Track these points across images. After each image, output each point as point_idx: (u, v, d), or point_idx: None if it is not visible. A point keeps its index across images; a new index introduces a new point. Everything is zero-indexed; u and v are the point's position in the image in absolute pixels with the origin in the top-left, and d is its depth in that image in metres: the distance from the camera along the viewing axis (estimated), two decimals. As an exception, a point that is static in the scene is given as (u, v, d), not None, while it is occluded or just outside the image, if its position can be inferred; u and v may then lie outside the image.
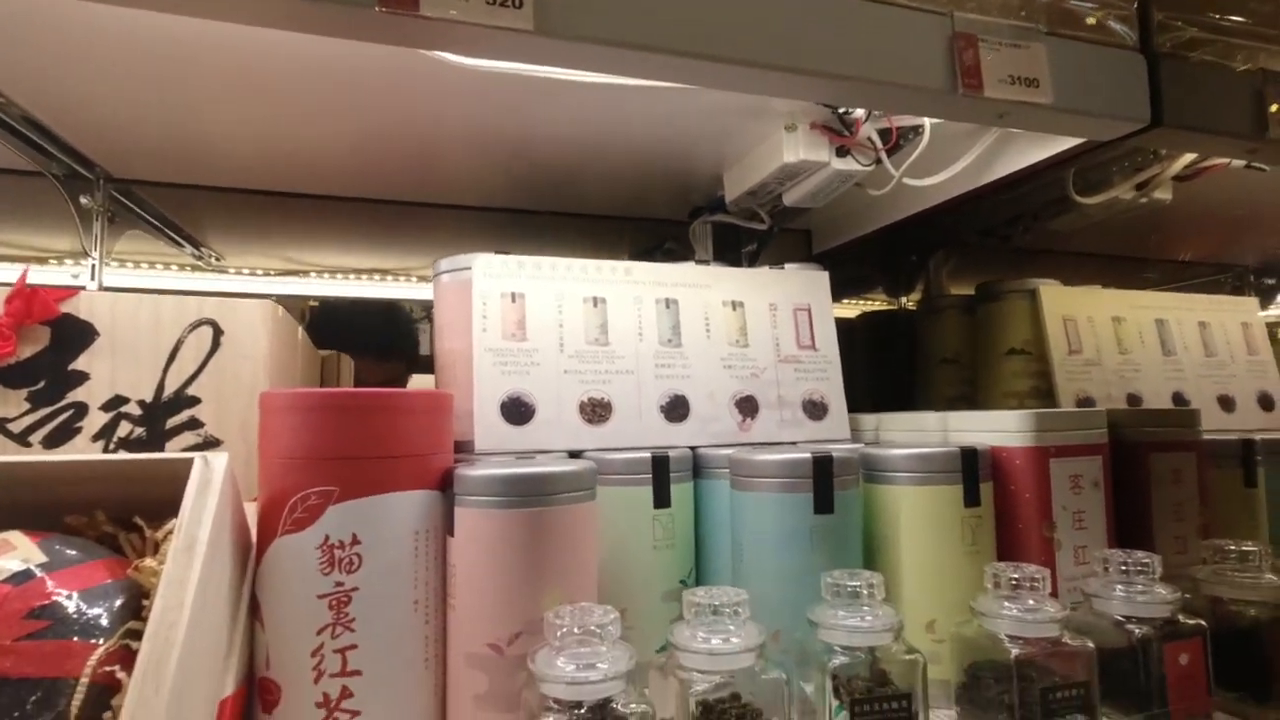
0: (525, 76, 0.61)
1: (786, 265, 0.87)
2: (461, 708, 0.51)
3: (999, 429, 0.67)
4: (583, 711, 0.43)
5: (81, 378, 0.57)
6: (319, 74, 0.69)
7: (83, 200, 0.83)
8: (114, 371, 0.58)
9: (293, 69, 0.67)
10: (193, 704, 0.40)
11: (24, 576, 0.39)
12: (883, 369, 1.17)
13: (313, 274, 1.08)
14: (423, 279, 1.12)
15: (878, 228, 1.02)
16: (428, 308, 1.09)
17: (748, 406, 0.79)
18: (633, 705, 0.44)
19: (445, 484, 0.55)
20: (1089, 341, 0.99)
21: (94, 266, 0.88)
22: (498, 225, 1.14)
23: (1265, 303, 1.46)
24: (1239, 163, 0.84)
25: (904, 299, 1.28)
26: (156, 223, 0.95)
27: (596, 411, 0.73)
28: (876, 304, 1.29)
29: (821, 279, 0.87)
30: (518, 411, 0.71)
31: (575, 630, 0.45)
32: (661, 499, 0.67)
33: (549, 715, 0.42)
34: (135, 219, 0.93)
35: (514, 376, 0.71)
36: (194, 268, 1.02)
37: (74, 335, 0.57)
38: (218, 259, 1.04)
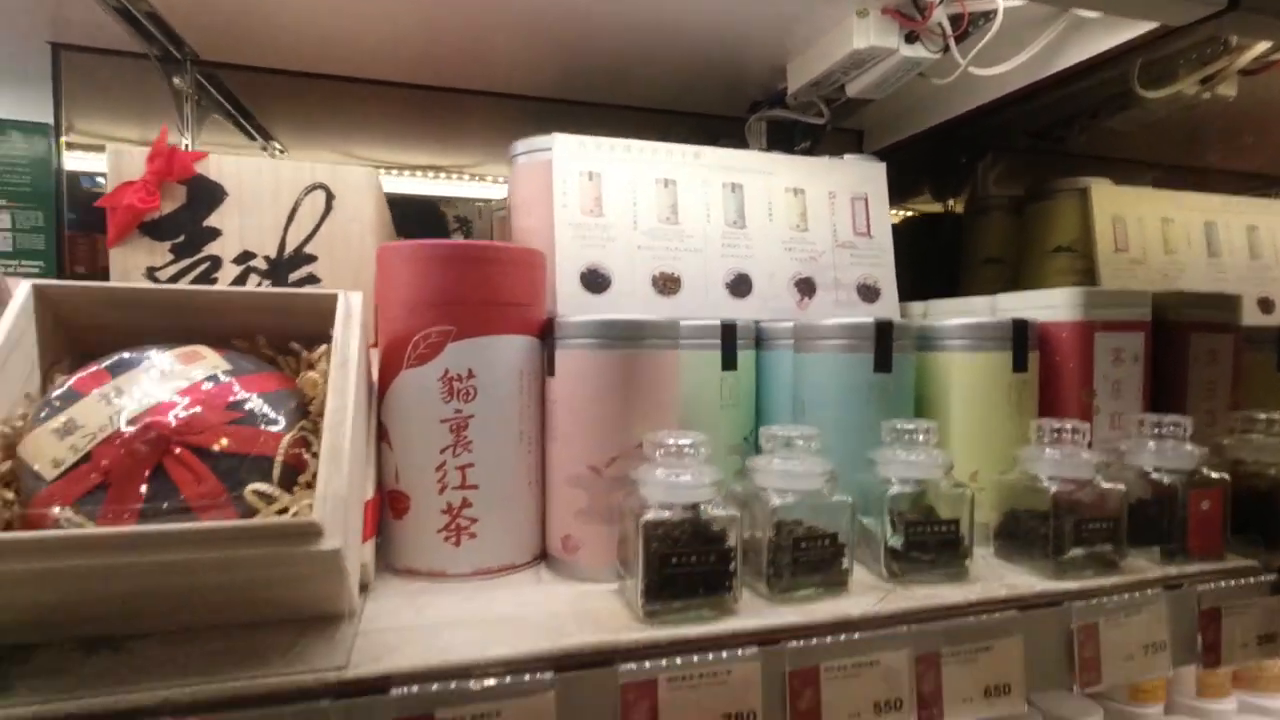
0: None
1: (845, 156, 0.90)
2: (563, 521, 0.59)
3: (1047, 305, 0.71)
4: (677, 511, 0.50)
5: (214, 234, 0.63)
6: None
7: (175, 81, 0.88)
8: (242, 229, 0.64)
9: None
10: (354, 492, 0.48)
11: (217, 379, 0.46)
12: (927, 269, 1.20)
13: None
14: (475, 175, 1.15)
15: (933, 124, 1.04)
16: (476, 207, 1.13)
17: (806, 287, 0.84)
18: (719, 510, 0.51)
19: (543, 333, 0.61)
20: (1136, 241, 1.01)
21: (186, 148, 0.93)
22: (548, 116, 1.14)
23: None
24: (1310, 53, 0.84)
25: (950, 202, 1.30)
26: (233, 110, 1.00)
27: (667, 285, 0.78)
28: (923, 207, 1.31)
29: (879, 169, 0.90)
30: (595, 281, 0.76)
31: (672, 446, 0.51)
32: (729, 362, 0.73)
33: (649, 512, 0.50)
34: (215, 105, 0.98)
35: (592, 249, 0.76)
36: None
37: (206, 194, 0.63)
38: (282, 151, 1.08)
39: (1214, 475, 0.63)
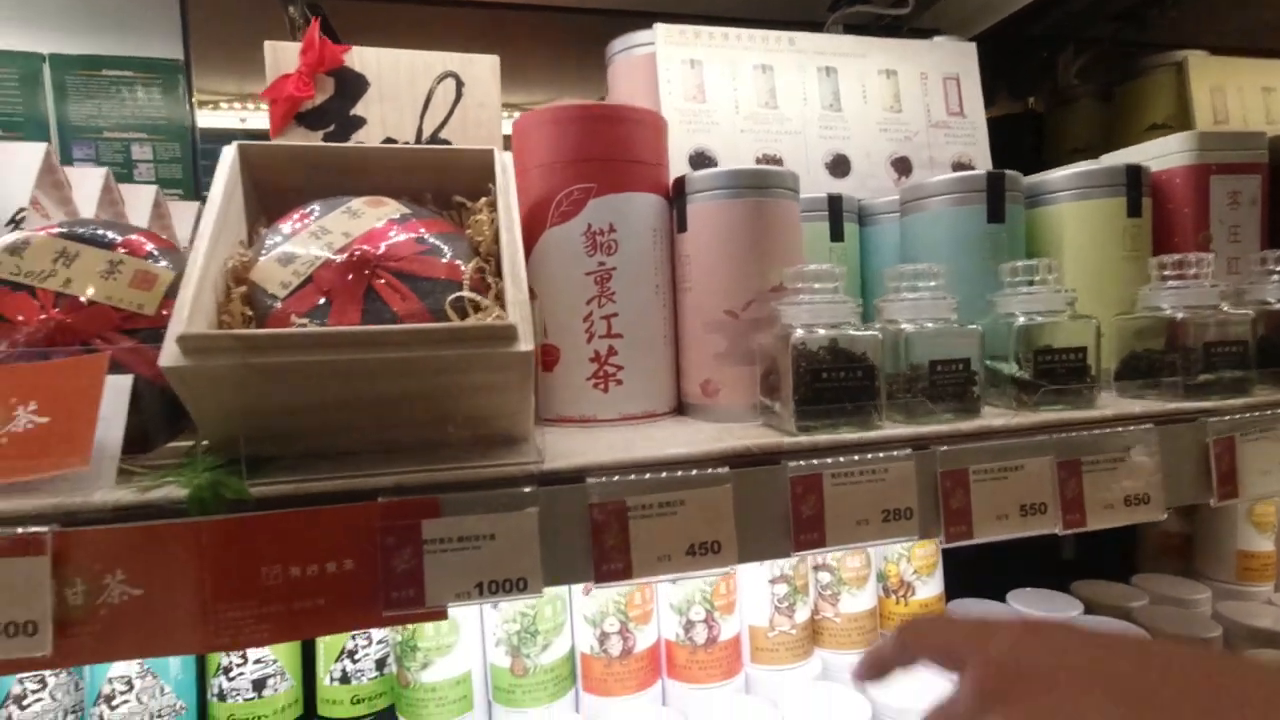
0: None
1: (935, 38, 0.91)
2: (702, 367, 0.63)
3: (1160, 154, 0.71)
4: (821, 334, 0.53)
5: (361, 121, 0.68)
6: None
7: (290, 11, 0.93)
8: (384, 117, 0.68)
9: None
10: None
11: (403, 219, 0.51)
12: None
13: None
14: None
15: (1018, 8, 1.03)
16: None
17: (902, 166, 0.86)
18: (860, 331, 0.54)
19: (672, 192, 0.64)
20: (1236, 112, 0.99)
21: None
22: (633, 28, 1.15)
23: None
24: None
25: (1030, 101, 1.28)
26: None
27: (771, 165, 0.80)
28: (1003, 108, 1.30)
29: (970, 50, 0.90)
30: (702, 163, 0.79)
31: (812, 273, 0.54)
32: (836, 233, 0.75)
33: (796, 333, 0.53)
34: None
35: (698, 133, 0.79)
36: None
37: (352, 84, 0.67)
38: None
39: (1342, 303, 0.63)
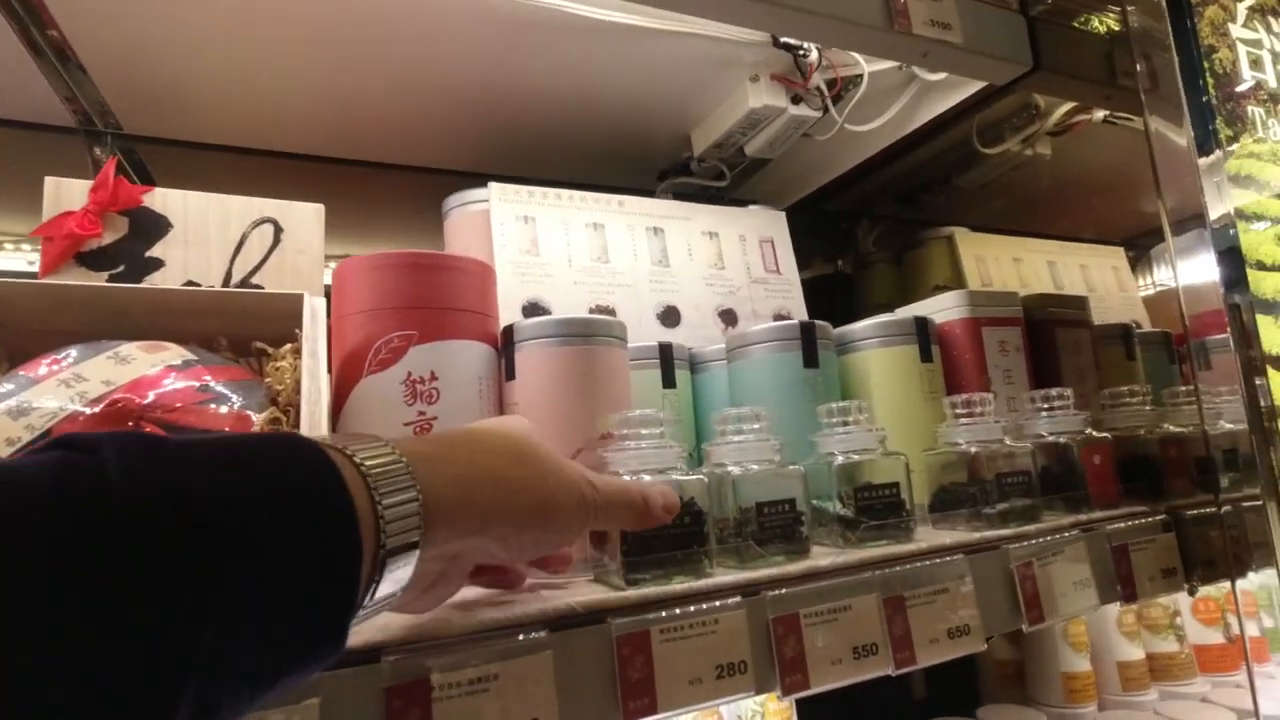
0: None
1: (751, 207, 1.01)
2: (531, 517, 0.59)
3: (940, 308, 0.81)
4: (650, 479, 0.52)
5: (157, 264, 0.63)
6: (275, 13, 0.73)
7: (97, 152, 0.87)
8: (187, 260, 0.64)
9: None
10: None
11: (185, 365, 0.45)
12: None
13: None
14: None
15: (816, 187, 1.18)
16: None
17: (729, 317, 0.91)
18: (688, 476, 0.54)
19: (501, 340, 0.64)
20: (997, 277, 1.17)
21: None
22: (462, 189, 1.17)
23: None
24: (1099, 116, 1.05)
25: (839, 263, 1.45)
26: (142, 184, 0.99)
27: (604, 315, 0.83)
28: (817, 270, 1.46)
29: (780, 217, 1.02)
30: (536, 313, 0.80)
31: (637, 419, 0.54)
32: (669, 380, 0.77)
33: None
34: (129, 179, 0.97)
35: (532, 284, 0.81)
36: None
37: (151, 225, 0.63)
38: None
39: (1098, 434, 0.73)
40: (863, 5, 0.72)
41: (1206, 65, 0.75)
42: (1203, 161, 0.74)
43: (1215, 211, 0.72)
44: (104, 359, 0.44)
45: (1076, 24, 0.90)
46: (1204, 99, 0.75)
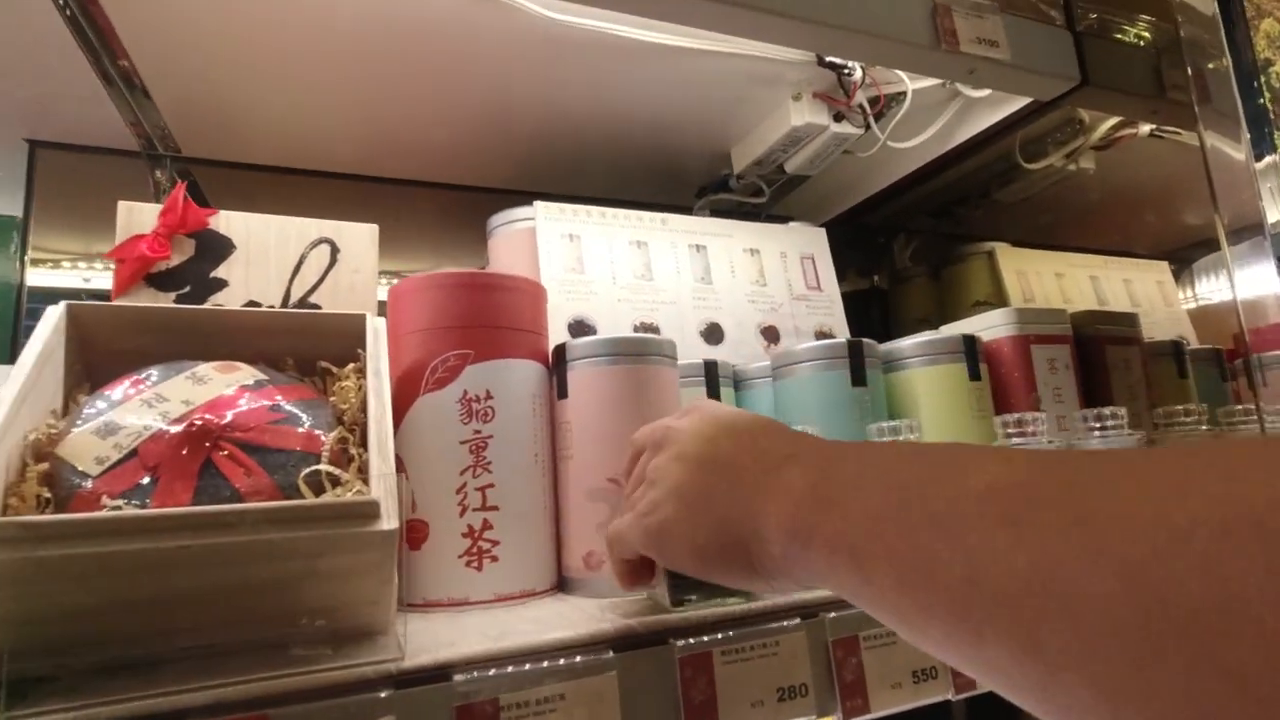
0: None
1: (790, 223, 1.02)
2: (586, 536, 0.59)
3: (988, 326, 0.81)
4: (706, 499, 0.52)
5: (221, 284, 0.64)
6: (324, 38, 0.75)
7: (157, 174, 0.90)
8: (249, 280, 0.65)
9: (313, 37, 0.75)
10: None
11: (258, 385, 0.47)
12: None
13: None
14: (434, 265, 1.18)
15: (854, 203, 1.18)
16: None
17: (771, 334, 0.91)
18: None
19: (552, 359, 0.64)
20: (1039, 293, 1.16)
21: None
22: (502, 208, 1.18)
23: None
24: (1145, 130, 1.04)
25: (875, 278, 1.44)
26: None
27: (648, 332, 0.83)
28: (853, 284, 1.45)
29: (820, 233, 1.02)
30: (581, 330, 0.81)
31: (693, 439, 0.54)
32: (713, 397, 0.78)
33: (681, 500, 0.52)
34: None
35: (577, 302, 0.82)
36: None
37: (215, 247, 0.65)
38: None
39: (1155, 455, 0.71)
40: (911, 24, 0.73)
41: (1263, 79, 0.74)
42: (1259, 167, 0.73)
43: (1274, 217, 0.71)
44: (182, 379, 0.45)
45: (1123, 37, 0.89)
46: (1259, 102, 0.74)
